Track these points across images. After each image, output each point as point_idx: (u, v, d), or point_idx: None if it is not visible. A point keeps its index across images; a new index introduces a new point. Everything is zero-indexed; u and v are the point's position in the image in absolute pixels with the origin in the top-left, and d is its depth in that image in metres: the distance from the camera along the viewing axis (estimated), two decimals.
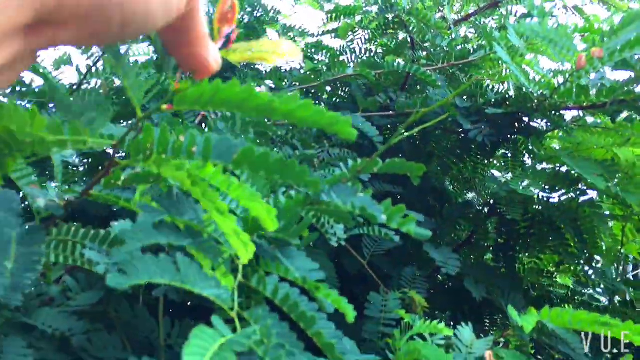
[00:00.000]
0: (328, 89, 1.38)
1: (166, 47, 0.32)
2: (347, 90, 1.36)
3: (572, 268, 1.26)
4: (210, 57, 0.32)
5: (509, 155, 1.18)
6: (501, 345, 0.82)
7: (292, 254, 0.60)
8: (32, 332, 0.61)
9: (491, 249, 1.21)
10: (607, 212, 1.17)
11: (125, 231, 0.39)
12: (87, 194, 0.49)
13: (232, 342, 0.36)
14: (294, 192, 0.64)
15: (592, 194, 1.15)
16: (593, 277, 1.21)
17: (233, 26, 0.37)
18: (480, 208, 1.21)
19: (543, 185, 1.08)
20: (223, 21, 0.36)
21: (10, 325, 0.58)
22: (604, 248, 1.22)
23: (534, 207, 1.14)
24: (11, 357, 0.51)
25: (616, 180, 1.02)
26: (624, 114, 1.08)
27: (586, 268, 1.23)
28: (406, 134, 0.60)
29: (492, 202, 1.17)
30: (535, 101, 1.07)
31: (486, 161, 1.24)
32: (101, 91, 1.01)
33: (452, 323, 1.07)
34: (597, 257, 1.26)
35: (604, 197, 1.15)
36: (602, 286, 1.20)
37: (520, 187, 0.99)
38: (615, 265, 1.22)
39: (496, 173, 1.30)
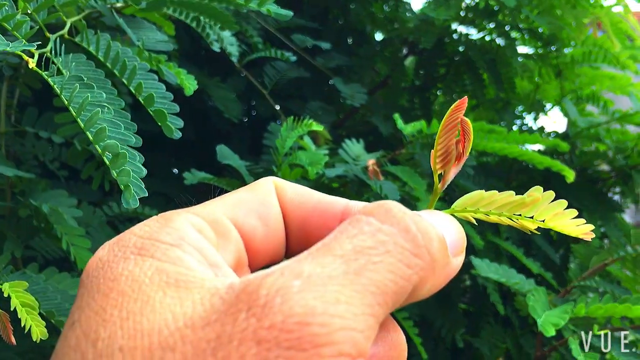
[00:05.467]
0: None
1: None
2: None
3: (490, 115, 1.24)
4: None
5: None
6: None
7: (140, 25, 0.53)
8: None
9: (406, 91, 1.17)
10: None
11: None
12: None
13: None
14: None
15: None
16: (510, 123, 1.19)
17: (462, 161, 0.22)
18: (399, 46, 1.15)
19: (460, 16, 1.02)
20: (448, 161, 0.22)
21: None
22: (521, 95, 1.19)
23: (454, 45, 1.09)
24: None
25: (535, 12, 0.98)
26: None
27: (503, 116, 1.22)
28: None
29: (411, 40, 1.11)
30: None
31: None
32: None
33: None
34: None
35: (525, 39, 1.11)
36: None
37: (434, 14, 0.93)
38: (532, 112, 1.21)
39: None
